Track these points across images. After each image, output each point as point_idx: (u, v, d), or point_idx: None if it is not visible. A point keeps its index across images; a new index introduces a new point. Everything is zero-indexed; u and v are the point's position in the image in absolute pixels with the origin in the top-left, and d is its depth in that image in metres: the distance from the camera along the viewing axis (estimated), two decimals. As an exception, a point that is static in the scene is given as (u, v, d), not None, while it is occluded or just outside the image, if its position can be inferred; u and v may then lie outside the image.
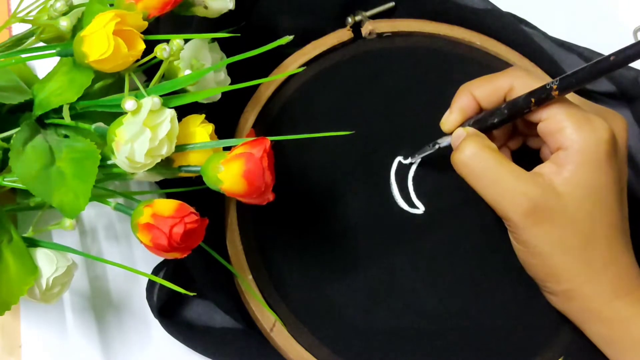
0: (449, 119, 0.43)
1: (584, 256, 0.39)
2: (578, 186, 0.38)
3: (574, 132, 0.38)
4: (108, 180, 0.41)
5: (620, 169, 0.39)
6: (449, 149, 0.43)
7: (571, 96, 0.40)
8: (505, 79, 0.41)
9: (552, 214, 0.38)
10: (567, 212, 0.38)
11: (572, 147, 0.38)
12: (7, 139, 0.37)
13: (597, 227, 0.39)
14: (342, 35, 0.50)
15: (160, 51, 0.35)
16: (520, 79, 0.41)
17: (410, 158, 0.46)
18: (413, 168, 0.46)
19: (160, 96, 0.35)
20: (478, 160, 0.39)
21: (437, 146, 0.44)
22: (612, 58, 0.36)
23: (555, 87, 0.38)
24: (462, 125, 0.43)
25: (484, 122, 0.42)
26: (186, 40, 0.38)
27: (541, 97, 0.39)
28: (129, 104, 0.34)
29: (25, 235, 0.38)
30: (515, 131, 0.44)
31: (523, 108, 0.40)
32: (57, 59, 0.39)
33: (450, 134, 0.43)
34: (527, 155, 0.44)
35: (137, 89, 0.36)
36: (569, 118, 0.38)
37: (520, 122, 0.43)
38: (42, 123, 0.39)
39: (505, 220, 0.40)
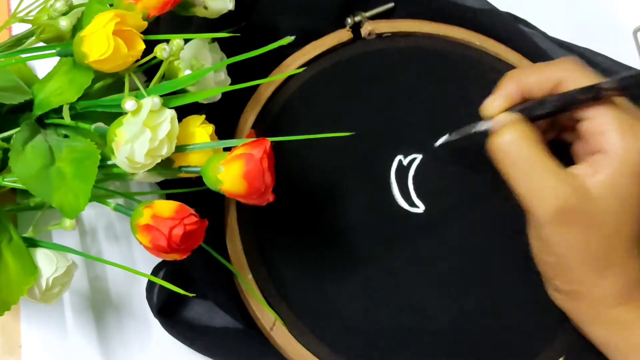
0: (493, 105, 0.41)
1: (600, 262, 0.38)
2: (611, 192, 0.37)
3: (617, 137, 0.37)
4: (108, 181, 0.41)
5: None
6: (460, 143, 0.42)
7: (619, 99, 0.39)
8: (557, 71, 0.40)
9: (580, 217, 0.37)
10: (594, 216, 0.38)
11: (612, 151, 0.37)
12: (7, 139, 0.37)
13: (619, 235, 0.38)
14: (342, 35, 0.50)
15: (160, 51, 0.35)
16: (571, 72, 0.40)
17: (446, 136, 0.44)
18: (413, 167, 0.46)
19: (161, 96, 0.35)
20: (515, 148, 0.38)
21: (472, 130, 0.42)
22: None
23: (609, 87, 0.37)
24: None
25: (531, 111, 0.40)
26: (186, 41, 0.38)
27: (593, 95, 0.38)
28: (129, 104, 0.34)
29: (25, 235, 0.38)
30: (553, 123, 0.43)
31: (574, 103, 0.38)
32: (57, 59, 0.39)
33: (489, 119, 0.41)
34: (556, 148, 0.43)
35: (137, 89, 0.36)
36: (613, 121, 0.38)
37: (563, 115, 0.42)
38: (42, 123, 0.39)
39: (529, 215, 0.39)
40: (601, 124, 0.38)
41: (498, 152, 0.39)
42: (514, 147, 0.39)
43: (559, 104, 0.40)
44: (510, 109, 0.41)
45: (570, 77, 0.40)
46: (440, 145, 0.44)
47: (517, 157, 0.38)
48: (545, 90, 0.40)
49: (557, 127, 0.44)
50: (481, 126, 0.42)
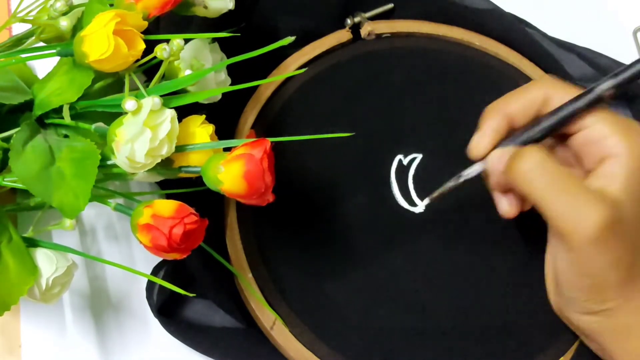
0: (481, 143, 0.39)
1: (631, 272, 0.36)
2: (631, 196, 0.36)
3: (622, 139, 0.36)
4: (108, 181, 0.41)
5: None
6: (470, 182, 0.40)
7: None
8: (538, 91, 0.39)
9: (615, 232, 0.35)
10: (622, 227, 0.36)
11: (620, 153, 0.36)
12: (7, 139, 0.37)
13: None
14: (342, 36, 0.50)
15: (161, 51, 0.35)
16: (554, 89, 0.39)
17: (427, 199, 0.43)
18: (413, 167, 0.47)
19: (161, 96, 0.35)
20: (542, 170, 0.36)
21: (461, 179, 0.41)
22: None
23: (604, 88, 0.36)
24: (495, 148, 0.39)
25: (526, 138, 0.38)
26: (186, 41, 0.38)
27: (592, 101, 0.37)
28: (129, 104, 0.34)
29: (25, 235, 0.38)
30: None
31: (576, 113, 0.37)
32: (57, 59, 0.39)
33: (478, 161, 0.40)
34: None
35: (137, 89, 0.36)
36: (612, 125, 0.37)
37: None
38: (42, 123, 0.39)
39: (564, 238, 0.36)
40: (600, 129, 0.37)
41: (524, 176, 0.37)
42: (541, 170, 0.36)
43: (556, 121, 0.38)
44: (500, 143, 0.39)
45: (555, 93, 0.39)
46: (465, 181, 0.41)
47: (547, 179, 0.36)
48: (531, 115, 0.39)
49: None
50: (472, 171, 0.40)
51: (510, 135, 0.39)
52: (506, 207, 0.41)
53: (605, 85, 0.37)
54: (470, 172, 0.40)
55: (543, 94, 0.39)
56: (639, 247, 0.37)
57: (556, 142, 0.41)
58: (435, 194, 0.42)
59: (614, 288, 0.37)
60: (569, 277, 0.38)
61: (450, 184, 0.41)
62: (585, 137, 0.38)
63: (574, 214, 0.36)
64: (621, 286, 0.37)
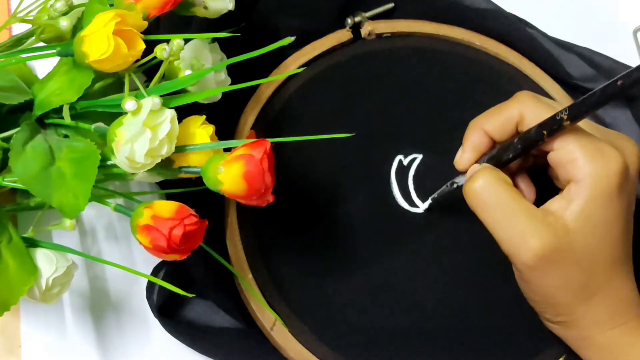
0: (463, 158, 0.41)
1: (584, 292, 0.38)
2: (586, 222, 0.37)
3: (586, 164, 0.37)
4: (108, 181, 0.41)
5: (629, 198, 0.38)
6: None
7: (584, 121, 0.39)
8: (514, 109, 0.40)
9: (560, 255, 0.37)
10: (573, 250, 0.37)
11: (584, 180, 0.37)
12: (7, 139, 0.37)
13: (600, 262, 0.38)
14: (342, 36, 0.50)
15: (160, 51, 0.35)
16: (528, 107, 0.39)
17: (429, 200, 0.45)
18: (413, 167, 0.47)
19: (161, 96, 0.35)
20: (491, 192, 0.38)
21: (455, 185, 0.43)
22: (619, 82, 0.35)
23: (565, 117, 0.37)
24: (478, 162, 0.41)
25: (499, 158, 0.40)
26: (186, 41, 0.38)
27: (553, 128, 0.37)
28: (129, 104, 0.34)
29: (25, 235, 0.38)
30: (526, 156, 0.43)
31: (536, 141, 0.38)
32: (57, 59, 0.39)
33: (465, 172, 0.42)
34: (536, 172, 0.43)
35: (137, 89, 0.36)
36: (580, 149, 0.37)
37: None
38: (42, 123, 0.39)
39: (511, 258, 0.38)
40: (568, 153, 0.38)
41: (474, 197, 0.39)
42: (490, 191, 0.38)
43: (523, 144, 0.39)
44: (481, 157, 0.41)
45: (529, 111, 0.39)
46: (458, 187, 0.43)
47: (495, 202, 0.38)
48: (509, 131, 0.40)
49: (531, 157, 0.43)
50: (459, 180, 0.42)
51: (493, 148, 0.41)
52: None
53: (562, 114, 0.37)
54: (459, 181, 0.43)
55: (519, 112, 0.40)
56: (594, 269, 0.38)
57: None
58: (435, 195, 0.44)
59: (564, 306, 0.38)
60: (523, 292, 0.40)
61: (445, 188, 0.43)
62: (556, 157, 0.38)
63: (516, 240, 0.37)
64: (573, 305, 0.38)
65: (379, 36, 0.51)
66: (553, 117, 0.38)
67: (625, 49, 0.54)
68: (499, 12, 0.51)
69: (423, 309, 0.43)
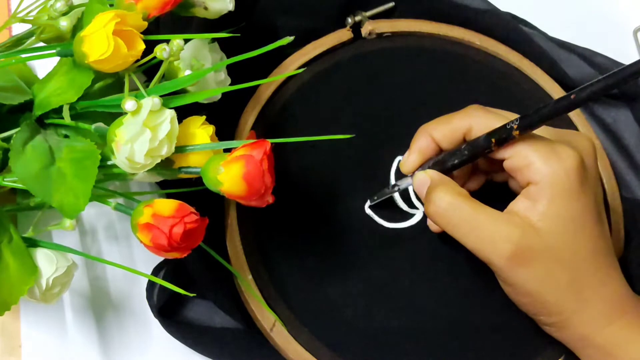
0: (408, 161, 0.42)
1: (572, 288, 0.38)
2: (555, 220, 0.38)
3: (542, 166, 0.37)
4: (108, 181, 0.41)
5: (594, 191, 0.39)
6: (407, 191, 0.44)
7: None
8: (463, 120, 0.41)
9: (534, 253, 0.38)
10: (549, 247, 0.38)
11: (542, 181, 0.37)
12: (7, 139, 0.37)
13: (580, 256, 0.38)
14: (342, 35, 0.50)
15: (160, 51, 0.35)
16: (478, 118, 0.40)
17: (368, 201, 0.45)
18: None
19: (161, 96, 0.35)
20: (453, 210, 0.39)
21: (397, 188, 0.44)
22: (572, 97, 0.35)
23: (515, 126, 0.37)
24: (422, 166, 0.42)
25: (444, 163, 0.41)
26: (186, 41, 0.38)
27: (502, 137, 0.38)
28: (129, 104, 0.34)
29: (25, 235, 0.38)
30: (476, 170, 0.44)
31: (484, 148, 0.39)
32: (57, 59, 0.39)
33: (410, 175, 0.43)
34: (495, 188, 0.44)
35: (137, 89, 0.36)
36: (534, 152, 0.38)
37: (482, 160, 0.43)
38: (42, 123, 0.39)
39: (490, 265, 0.39)
40: (523, 158, 0.38)
41: (439, 219, 0.39)
42: (452, 210, 0.39)
43: (470, 150, 0.40)
44: (426, 162, 0.42)
45: (477, 123, 0.40)
46: (400, 190, 0.44)
47: (459, 218, 0.39)
48: (456, 141, 0.41)
49: (482, 172, 0.44)
50: (402, 184, 0.44)
51: (439, 154, 0.42)
52: (434, 226, 0.44)
53: (512, 124, 0.38)
54: (402, 184, 0.44)
55: (467, 124, 0.41)
56: (577, 264, 0.38)
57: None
58: (375, 197, 0.45)
59: (554, 304, 0.39)
60: (511, 297, 0.41)
61: (387, 193, 0.44)
62: (512, 164, 0.39)
63: (488, 247, 0.38)
64: (563, 302, 0.38)
65: (380, 36, 0.51)
66: (503, 126, 0.38)
67: (625, 49, 0.54)
68: (499, 12, 0.51)
69: (422, 310, 0.43)
